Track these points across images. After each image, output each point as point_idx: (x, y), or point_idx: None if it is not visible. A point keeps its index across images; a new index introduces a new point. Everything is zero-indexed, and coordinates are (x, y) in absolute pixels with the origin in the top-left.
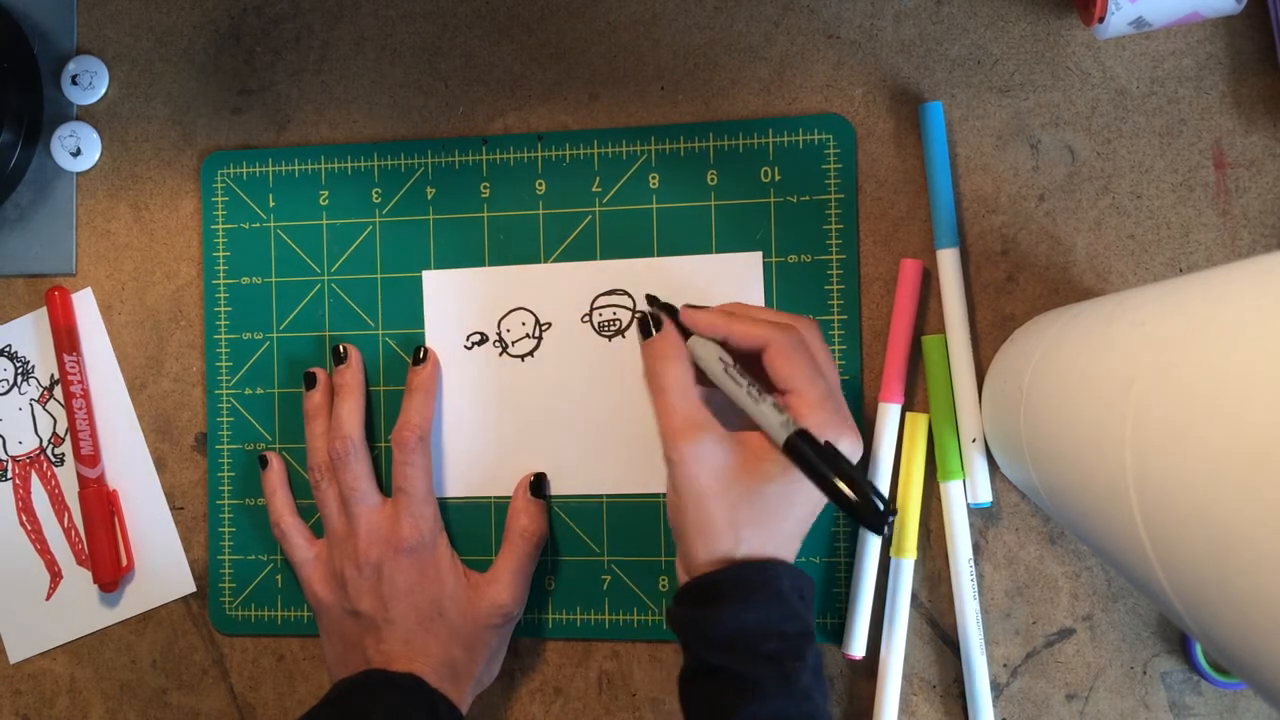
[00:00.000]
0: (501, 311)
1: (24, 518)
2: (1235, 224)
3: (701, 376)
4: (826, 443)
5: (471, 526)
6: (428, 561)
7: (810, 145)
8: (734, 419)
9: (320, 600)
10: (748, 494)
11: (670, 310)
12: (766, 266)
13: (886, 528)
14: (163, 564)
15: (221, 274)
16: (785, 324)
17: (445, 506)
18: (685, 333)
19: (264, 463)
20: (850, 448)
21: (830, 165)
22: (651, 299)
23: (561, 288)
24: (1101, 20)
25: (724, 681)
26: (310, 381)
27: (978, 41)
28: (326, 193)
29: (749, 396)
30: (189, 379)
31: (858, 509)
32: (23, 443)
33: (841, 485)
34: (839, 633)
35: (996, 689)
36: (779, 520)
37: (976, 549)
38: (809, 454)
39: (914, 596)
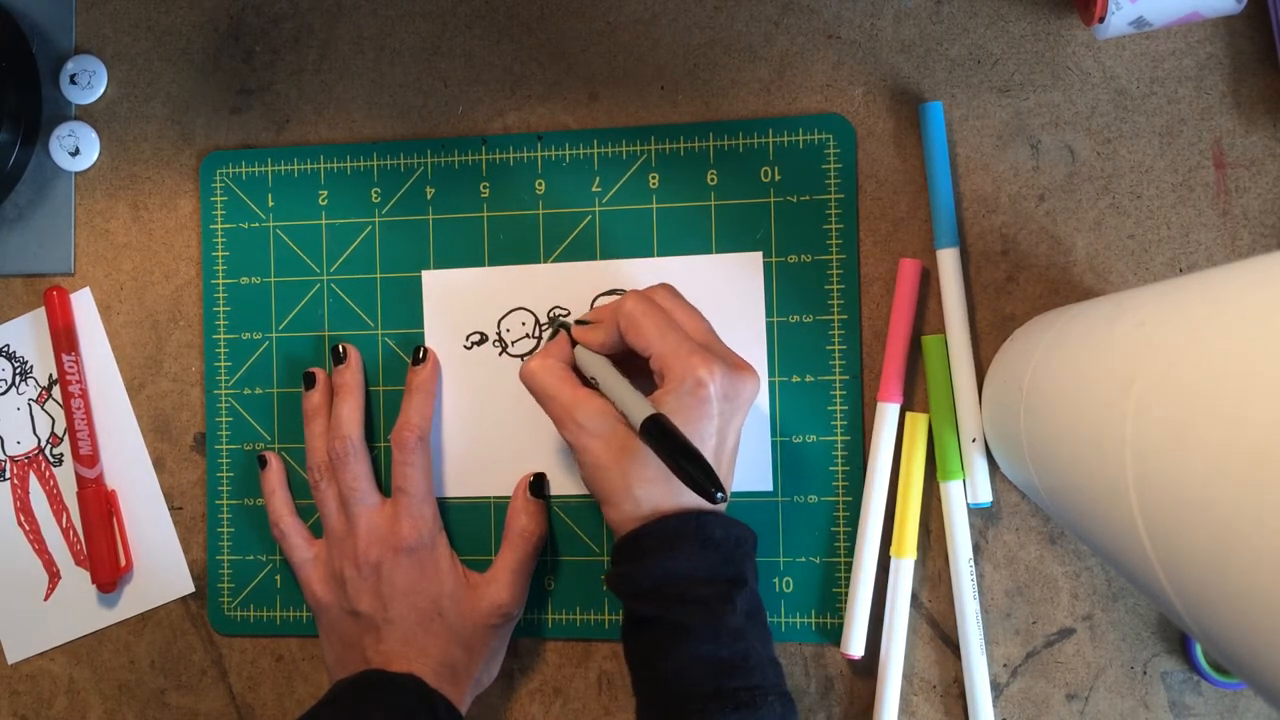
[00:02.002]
0: (501, 311)
1: (22, 518)
2: (1235, 224)
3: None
4: (668, 429)
5: (471, 526)
6: (427, 561)
7: (810, 145)
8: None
9: (319, 600)
10: (636, 456)
11: (566, 326)
12: (766, 266)
13: (719, 494)
14: (161, 564)
15: (220, 274)
16: (622, 300)
17: (445, 506)
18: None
19: (263, 463)
20: (723, 380)
21: (830, 165)
22: (552, 318)
23: (561, 288)
24: (1101, 20)
25: (654, 629)
26: (309, 381)
27: (978, 41)
28: (326, 192)
29: (614, 392)
30: (188, 379)
31: (690, 487)
32: (21, 443)
33: (683, 468)
34: (839, 633)
35: (996, 689)
36: (673, 477)
37: (976, 549)
38: (653, 440)
39: (914, 596)
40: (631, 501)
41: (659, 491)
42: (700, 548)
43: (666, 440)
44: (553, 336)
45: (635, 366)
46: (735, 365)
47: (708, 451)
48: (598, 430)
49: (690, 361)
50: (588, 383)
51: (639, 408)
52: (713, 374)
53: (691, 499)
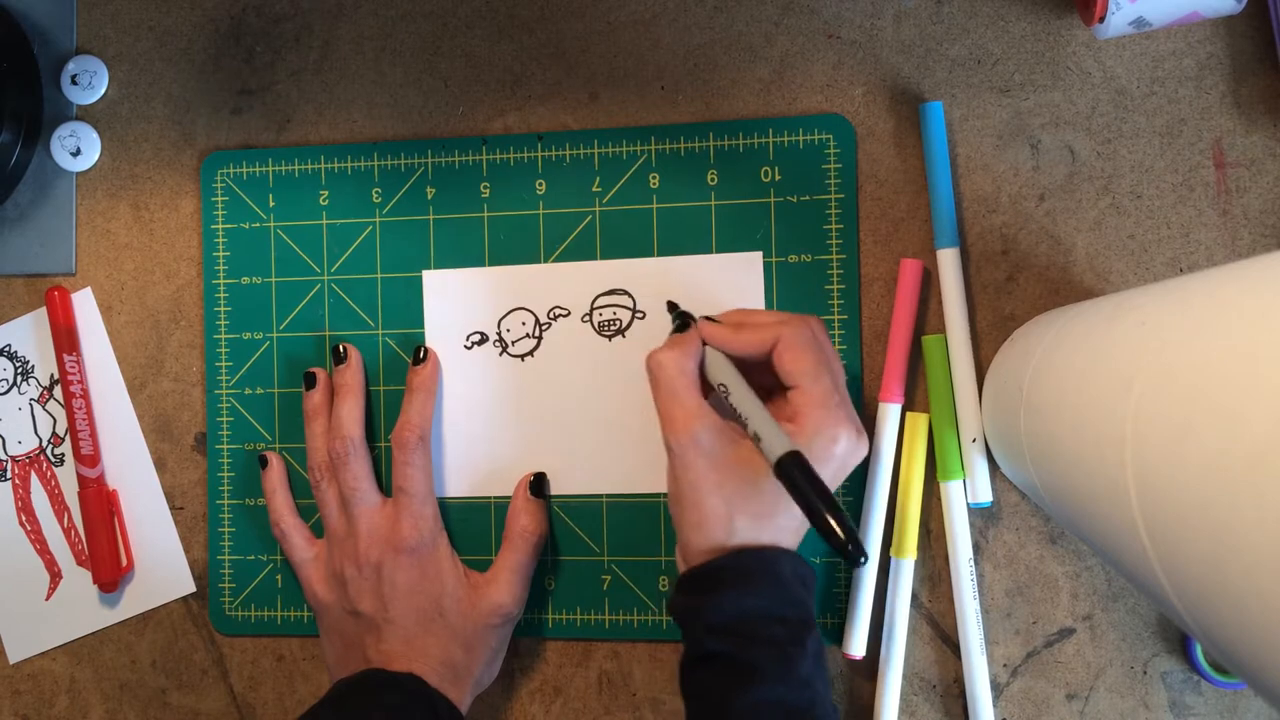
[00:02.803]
0: (501, 311)
1: (23, 518)
2: (1235, 224)
3: (709, 388)
4: (812, 472)
5: (471, 526)
6: (428, 561)
7: (810, 145)
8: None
9: (320, 600)
10: (744, 486)
11: (691, 319)
12: (766, 266)
13: (862, 558)
14: (162, 564)
15: (221, 274)
16: (794, 319)
17: (445, 506)
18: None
19: (264, 463)
20: (850, 445)
21: (830, 165)
22: (672, 305)
23: (561, 288)
24: (1102, 20)
25: (723, 667)
26: (310, 381)
27: (978, 41)
28: (326, 193)
29: (750, 411)
30: (189, 379)
31: (832, 543)
32: (22, 443)
33: (828, 518)
34: (839, 633)
35: (996, 689)
36: (776, 515)
37: (976, 549)
38: (796, 478)
39: (914, 596)
40: (725, 531)
41: (757, 527)
42: (772, 585)
43: (810, 482)
44: (680, 328)
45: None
46: (860, 432)
47: None
48: (710, 449)
49: (836, 415)
50: (707, 387)
51: (779, 440)
52: (850, 438)
53: (773, 537)
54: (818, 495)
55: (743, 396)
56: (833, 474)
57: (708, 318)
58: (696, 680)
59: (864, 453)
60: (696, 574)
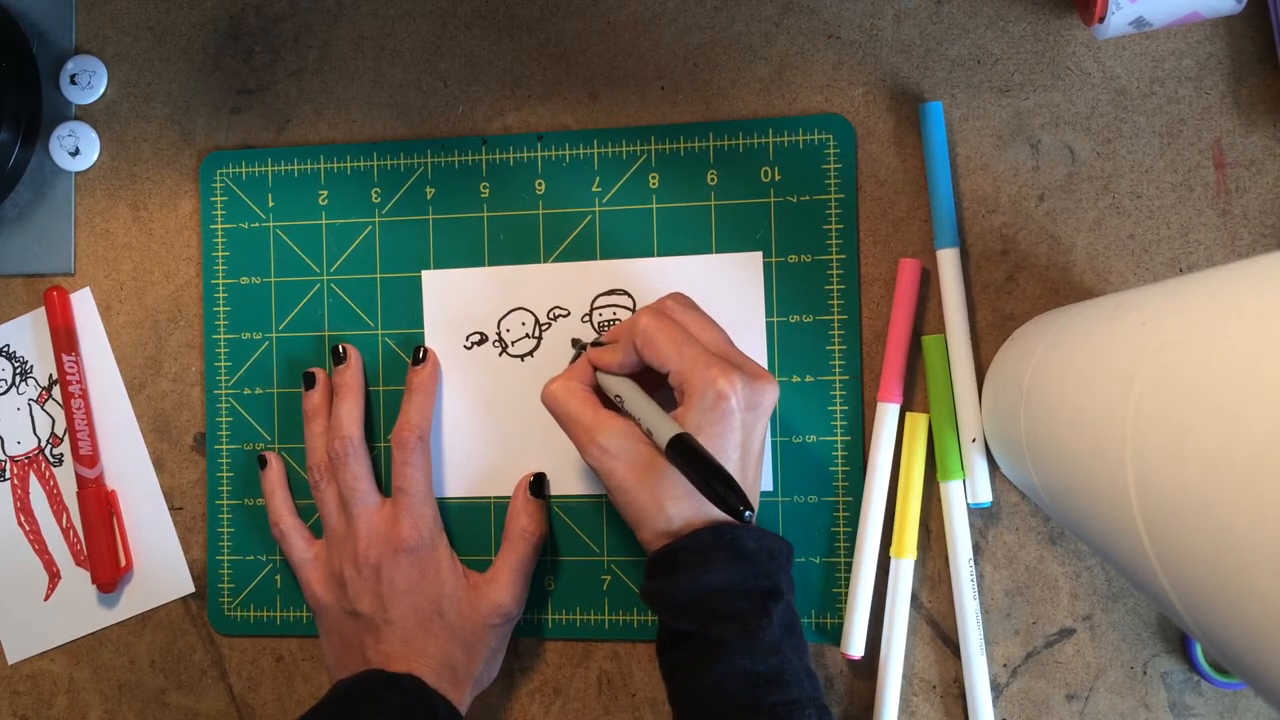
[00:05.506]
0: (501, 311)
1: (22, 518)
2: (1235, 224)
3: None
4: (695, 448)
5: (471, 526)
6: (427, 562)
7: (810, 145)
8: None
9: (319, 600)
10: (663, 476)
11: (585, 347)
12: (766, 266)
13: (750, 513)
14: (161, 564)
15: (220, 274)
16: (637, 315)
17: (445, 506)
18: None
19: (263, 463)
20: (744, 392)
21: (830, 165)
22: (575, 342)
23: (561, 288)
24: (1101, 20)
25: (691, 645)
26: (309, 381)
27: (978, 41)
28: (326, 192)
29: (641, 412)
30: (188, 379)
31: (722, 509)
32: (21, 443)
33: (713, 489)
34: (839, 633)
35: (996, 689)
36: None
37: (976, 549)
38: (680, 461)
39: (914, 596)
40: (664, 519)
41: (690, 506)
42: (733, 560)
43: (693, 460)
44: (576, 359)
45: (658, 381)
46: (754, 374)
47: (733, 464)
48: (620, 452)
49: (709, 375)
50: (611, 403)
51: (665, 427)
52: (733, 385)
53: (696, 514)
54: (701, 470)
55: (635, 401)
56: (742, 425)
57: (596, 342)
58: (669, 661)
59: (772, 391)
60: (657, 558)
